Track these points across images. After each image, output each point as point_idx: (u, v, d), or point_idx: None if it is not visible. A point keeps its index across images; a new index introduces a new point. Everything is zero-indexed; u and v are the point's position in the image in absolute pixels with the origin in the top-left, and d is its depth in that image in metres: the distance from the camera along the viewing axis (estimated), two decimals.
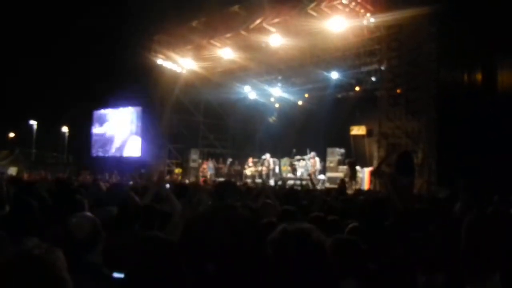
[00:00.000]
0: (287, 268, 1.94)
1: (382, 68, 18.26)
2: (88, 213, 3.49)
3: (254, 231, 2.04)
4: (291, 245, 1.98)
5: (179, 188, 7.76)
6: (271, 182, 21.99)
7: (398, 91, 16.98)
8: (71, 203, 4.44)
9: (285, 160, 25.24)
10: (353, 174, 20.34)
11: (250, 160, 26.08)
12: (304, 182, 20.13)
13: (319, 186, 19.29)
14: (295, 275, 1.94)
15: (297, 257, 1.95)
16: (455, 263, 2.79)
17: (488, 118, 16.13)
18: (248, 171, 25.73)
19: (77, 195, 5.07)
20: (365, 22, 17.89)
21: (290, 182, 22.01)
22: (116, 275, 3.01)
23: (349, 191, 14.94)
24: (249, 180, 23.69)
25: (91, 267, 3.08)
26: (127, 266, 2.49)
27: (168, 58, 25.44)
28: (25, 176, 19.63)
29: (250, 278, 2.08)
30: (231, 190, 5.20)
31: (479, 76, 18.39)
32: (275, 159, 25.39)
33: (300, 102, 27.07)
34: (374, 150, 19.39)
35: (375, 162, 18.61)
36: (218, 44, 22.46)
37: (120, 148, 31.73)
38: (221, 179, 21.43)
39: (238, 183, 20.60)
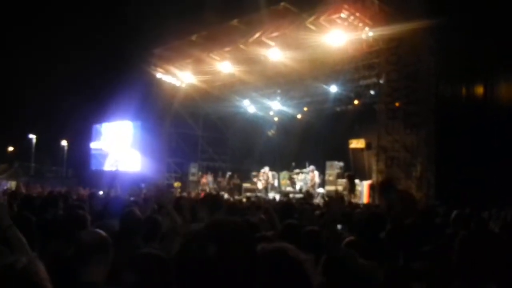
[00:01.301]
0: (267, 286, 1.95)
1: (381, 81, 18.29)
2: (101, 231, 3.42)
3: (251, 249, 2.04)
4: (268, 264, 1.99)
5: (179, 202, 7.75)
6: (276, 196, 21.80)
7: (397, 104, 17.01)
8: (75, 219, 4.41)
9: (284, 174, 25.18)
10: (352, 188, 20.31)
11: (262, 172, 25.53)
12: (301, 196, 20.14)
13: (317, 200, 19.26)
14: None
15: (274, 275, 1.96)
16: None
17: (487, 131, 16.18)
18: (260, 184, 25.25)
19: (79, 211, 5.05)
20: (363, 36, 17.95)
21: (290, 196, 21.98)
22: None
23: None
24: (259, 194, 23.53)
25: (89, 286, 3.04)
26: (124, 283, 2.50)
27: (167, 72, 25.51)
28: (23, 190, 19.62)
29: None
30: (217, 203, 5.21)
31: (478, 90, 18.48)
32: (274, 173, 25.32)
33: (299, 116, 27.10)
34: (373, 164, 19.37)
35: (374, 176, 18.60)
36: (217, 58, 22.53)
37: (119, 162, 31.68)
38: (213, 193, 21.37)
39: (237, 197, 20.64)
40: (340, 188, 21.55)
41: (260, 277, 1.94)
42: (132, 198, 12.27)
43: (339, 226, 6.46)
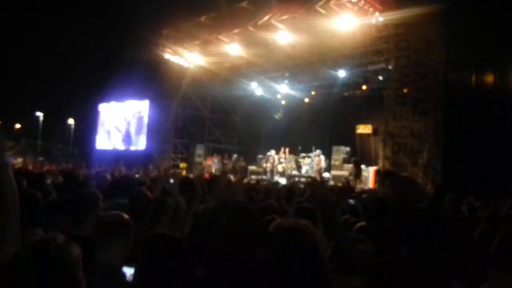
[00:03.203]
0: (281, 262, 1.95)
1: (390, 67, 18.20)
2: (123, 214, 3.34)
3: (258, 231, 2.04)
4: (284, 239, 1.98)
5: (184, 183, 7.73)
6: (282, 180, 21.76)
7: (405, 90, 16.93)
8: (86, 197, 4.34)
9: (290, 157, 25.18)
10: (358, 173, 20.32)
11: (283, 150, 25.13)
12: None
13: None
14: (288, 270, 1.94)
15: (290, 251, 1.96)
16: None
17: (496, 119, 16.11)
18: (280, 167, 24.95)
19: (89, 188, 5.02)
20: (373, 20, 17.84)
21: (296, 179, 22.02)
22: (126, 269, 3.01)
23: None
24: (265, 177, 23.47)
25: (107, 267, 2.97)
26: (139, 263, 2.50)
27: (175, 52, 25.43)
28: (30, 167, 19.71)
29: (249, 277, 2.08)
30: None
31: (488, 77, 18.36)
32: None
33: (306, 100, 27.07)
34: (380, 149, 19.36)
35: (380, 162, 18.59)
36: (225, 40, 22.44)
37: (126, 141, 31.74)
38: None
39: (245, 180, 20.64)
40: (346, 173, 21.56)
41: (277, 252, 1.94)
42: (137, 176, 12.29)
43: (351, 201, 6.47)
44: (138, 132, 30.80)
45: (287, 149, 24.97)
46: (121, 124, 32.35)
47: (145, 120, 30.16)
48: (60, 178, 9.10)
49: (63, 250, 1.86)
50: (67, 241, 1.92)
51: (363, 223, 4.50)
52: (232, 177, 20.59)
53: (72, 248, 1.91)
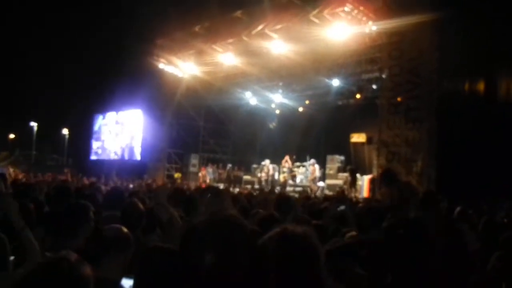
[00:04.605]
0: (282, 268, 1.94)
1: (383, 76, 18.26)
2: (124, 228, 3.34)
3: (251, 246, 2.03)
4: (289, 245, 1.97)
5: (178, 194, 7.68)
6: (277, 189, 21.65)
7: (399, 99, 16.98)
8: (77, 209, 4.30)
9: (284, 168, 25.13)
10: (353, 182, 20.32)
11: (286, 159, 24.90)
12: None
13: (318, 193, 19.29)
14: (289, 276, 1.93)
15: (294, 258, 1.95)
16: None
17: (489, 127, 16.15)
18: (281, 176, 24.63)
19: (81, 200, 4.98)
20: (367, 30, 17.90)
21: (290, 189, 22.00)
22: (125, 281, 2.99)
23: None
24: (258, 186, 23.29)
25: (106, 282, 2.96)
26: (136, 276, 2.50)
27: (170, 62, 25.46)
28: (21, 177, 19.68)
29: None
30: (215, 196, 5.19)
31: (480, 85, 18.43)
32: (275, 165, 25.29)
33: (300, 109, 27.08)
34: (374, 158, 19.39)
35: (375, 170, 18.62)
36: (220, 49, 22.48)
37: (120, 151, 31.72)
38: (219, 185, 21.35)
39: (238, 189, 20.62)
40: (340, 182, 21.57)
41: (279, 256, 1.93)
42: (131, 186, 12.24)
43: (342, 207, 6.45)
44: (133, 142, 30.77)
45: (287, 157, 24.81)
46: (116, 134, 32.33)
47: (140, 130, 30.13)
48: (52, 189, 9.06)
49: (76, 270, 1.87)
50: (79, 260, 1.93)
51: (354, 232, 4.49)
52: (221, 186, 20.58)
53: (84, 267, 1.92)
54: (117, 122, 32.45)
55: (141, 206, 4.77)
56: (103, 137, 33.50)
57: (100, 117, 34.01)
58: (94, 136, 34.25)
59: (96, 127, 34.22)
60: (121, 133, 31.91)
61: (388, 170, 9.22)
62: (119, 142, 31.99)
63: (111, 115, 33.16)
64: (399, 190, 5.43)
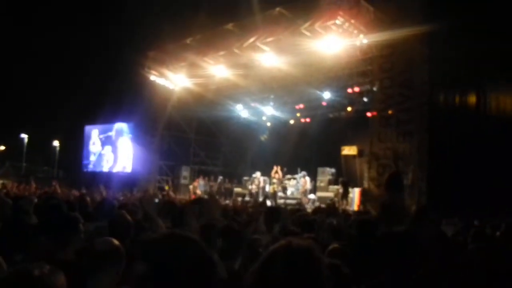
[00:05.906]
0: (287, 281, 1.90)
1: (374, 89, 18.33)
2: (115, 241, 3.29)
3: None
4: (295, 258, 1.94)
5: (168, 206, 7.63)
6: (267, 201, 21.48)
7: (390, 112, 17.04)
8: (67, 221, 4.26)
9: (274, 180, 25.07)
10: (345, 194, 20.30)
11: (276, 170, 24.64)
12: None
13: (309, 206, 19.25)
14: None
15: (299, 271, 1.92)
16: None
17: (479, 140, 16.21)
18: (271, 187, 24.21)
19: (71, 212, 4.93)
20: (358, 42, 17.97)
21: (280, 201, 21.92)
22: None
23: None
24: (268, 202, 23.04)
25: None
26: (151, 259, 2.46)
27: (161, 74, 25.42)
28: (10, 188, 19.54)
29: None
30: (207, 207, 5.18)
31: (471, 98, 18.52)
32: (266, 178, 25.21)
33: (291, 121, 27.11)
34: (365, 171, 19.38)
35: (366, 183, 18.62)
36: (211, 62, 22.49)
37: (111, 164, 31.60)
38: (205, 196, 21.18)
39: (227, 201, 20.53)
40: (331, 194, 21.54)
41: (278, 279, 1.89)
42: (121, 198, 12.14)
43: (334, 221, 6.42)
44: (124, 154, 30.65)
45: (277, 168, 24.60)
46: (107, 146, 32.21)
47: (131, 142, 30.02)
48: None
49: (47, 279, 1.82)
50: (52, 270, 1.89)
51: (335, 245, 4.44)
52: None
53: (57, 276, 1.87)
54: (107, 134, 32.32)
55: (129, 217, 4.74)
56: (94, 149, 33.35)
57: (91, 128, 33.86)
58: (85, 148, 34.09)
59: (86, 139, 34.06)
60: (112, 145, 31.78)
61: (396, 174, 8.90)
62: (110, 154, 31.86)
63: (102, 127, 33.03)
64: (390, 203, 5.40)
